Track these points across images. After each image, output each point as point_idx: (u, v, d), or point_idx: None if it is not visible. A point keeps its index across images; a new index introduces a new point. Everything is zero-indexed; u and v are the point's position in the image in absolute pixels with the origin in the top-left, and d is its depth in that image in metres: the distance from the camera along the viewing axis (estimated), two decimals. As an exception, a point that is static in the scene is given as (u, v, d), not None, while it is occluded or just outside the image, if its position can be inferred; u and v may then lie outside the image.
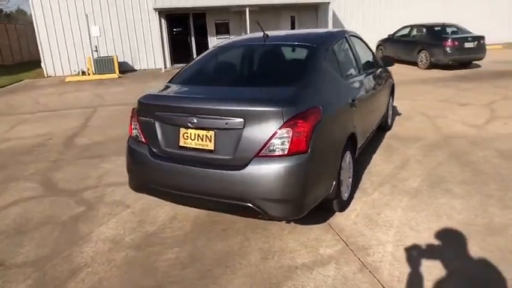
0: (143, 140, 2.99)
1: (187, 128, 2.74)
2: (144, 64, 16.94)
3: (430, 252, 2.72)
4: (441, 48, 11.39)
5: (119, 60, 15.29)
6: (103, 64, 14.83)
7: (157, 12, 15.56)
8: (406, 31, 13.85)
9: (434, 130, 5.67)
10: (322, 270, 2.58)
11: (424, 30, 12.70)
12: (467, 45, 11.40)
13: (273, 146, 2.50)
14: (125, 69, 16.19)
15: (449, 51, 11.28)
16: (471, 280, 2.42)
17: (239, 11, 16.97)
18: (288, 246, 2.89)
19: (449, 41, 11.32)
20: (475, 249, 2.72)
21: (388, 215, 3.26)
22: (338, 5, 18.06)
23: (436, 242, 2.84)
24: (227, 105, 2.62)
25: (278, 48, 3.52)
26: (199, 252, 2.87)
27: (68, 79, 14.22)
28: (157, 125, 2.89)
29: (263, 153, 2.52)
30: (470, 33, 12.19)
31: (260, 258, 2.75)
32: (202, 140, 2.70)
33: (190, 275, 2.61)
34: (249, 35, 3.99)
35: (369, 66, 4.37)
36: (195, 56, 17.55)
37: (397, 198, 3.55)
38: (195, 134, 2.73)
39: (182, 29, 17.25)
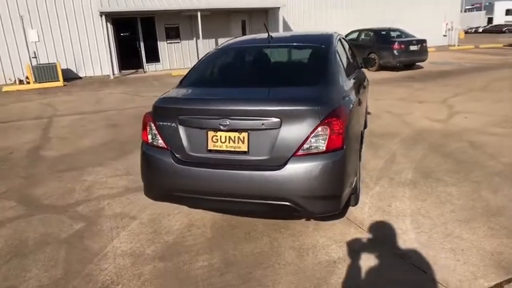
0: (164, 145, 2.87)
1: (217, 130, 2.69)
2: (89, 71, 16.01)
3: (447, 235, 2.94)
4: (390, 51, 12.27)
5: (61, 67, 14.28)
6: (44, 72, 13.74)
7: (103, 16, 14.81)
8: (354, 35, 14.66)
9: (406, 126, 6.10)
10: (362, 262, 2.67)
11: (372, 34, 13.57)
12: (412, 48, 12.40)
13: (311, 144, 2.54)
14: (69, 76, 15.15)
15: (397, 54, 12.19)
16: (493, 255, 2.66)
17: (190, 15, 16.76)
18: (318, 242, 2.94)
19: (397, 44, 12.23)
20: (484, 230, 2.99)
21: (398, 205, 3.46)
22: (287, 10, 18.59)
23: (449, 225, 3.07)
24: (263, 105, 2.61)
25: (288, 49, 3.58)
26: (231, 257, 2.82)
27: (5, 88, 12.97)
28: (181, 129, 2.79)
29: (301, 151, 2.55)
30: (414, 36, 13.27)
31: (296, 256, 2.78)
32: (234, 142, 2.66)
33: (233, 280, 2.56)
34: (251, 36, 4.00)
35: (356, 66, 4.60)
36: (144, 61, 17.02)
37: (399, 190, 3.78)
38: (225, 137, 2.68)
39: (130, 33, 16.62)
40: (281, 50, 3.57)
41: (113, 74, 15.42)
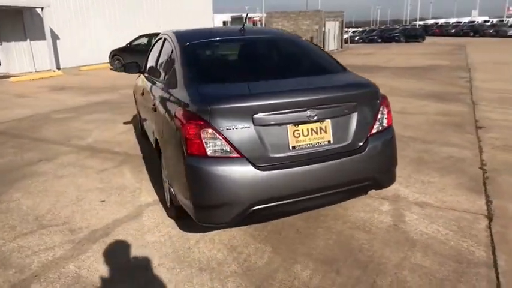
0: (235, 154, 2.33)
1: (298, 124, 2.45)
2: None
3: (424, 183, 3.78)
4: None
5: None
6: None
7: None
8: (144, 40, 14.33)
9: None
10: (409, 218, 3.10)
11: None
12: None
13: (379, 122, 2.75)
14: None
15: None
16: (460, 185, 3.66)
17: None
18: (362, 217, 3.15)
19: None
20: (434, 173, 4.01)
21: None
22: (49, 11, 15.92)
23: (415, 176, 3.93)
24: (344, 91, 2.59)
25: (278, 41, 3.45)
26: (321, 256, 2.65)
27: None
28: (256, 129, 2.35)
29: (373, 131, 2.71)
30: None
31: (365, 233, 2.91)
32: (317, 133, 2.51)
33: (353, 271, 2.45)
34: (212, 28, 3.53)
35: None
36: None
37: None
38: (307, 129, 2.48)
39: None
40: (274, 42, 3.40)
41: None
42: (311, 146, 2.51)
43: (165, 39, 3.81)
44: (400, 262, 2.55)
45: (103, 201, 3.67)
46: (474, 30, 40.42)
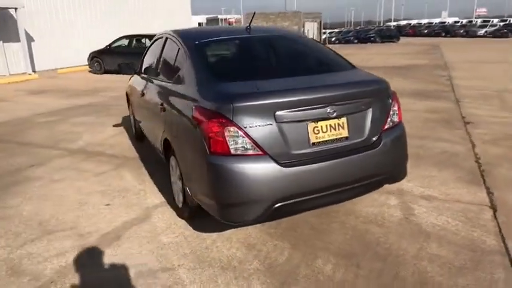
0: (258, 151, 2.34)
1: (318, 120, 2.48)
2: None
3: (425, 177, 3.89)
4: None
5: None
6: None
7: None
8: (125, 42, 14.06)
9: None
10: (418, 211, 3.19)
11: (146, 40, 13.48)
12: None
13: (391, 118, 2.81)
14: None
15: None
16: (458, 178, 3.80)
17: None
18: (373, 212, 3.22)
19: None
20: (431, 168, 4.15)
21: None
22: (23, 11, 15.35)
23: (416, 171, 4.03)
24: (360, 87, 2.65)
25: (287, 39, 3.46)
26: (339, 250, 2.70)
27: None
28: (279, 126, 2.37)
29: (386, 126, 2.77)
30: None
31: (378, 227, 2.98)
32: (335, 129, 2.55)
33: (373, 263, 2.51)
34: (223, 27, 3.50)
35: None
36: None
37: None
38: (326, 125, 2.52)
39: None
40: (281, 40, 3.41)
41: None
42: (330, 142, 2.54)
43: (166, 38, 3.77)
44: (418, 253, 2.62)
45: (108, 204, 3.59)
46: (446, 31, 41.90)
